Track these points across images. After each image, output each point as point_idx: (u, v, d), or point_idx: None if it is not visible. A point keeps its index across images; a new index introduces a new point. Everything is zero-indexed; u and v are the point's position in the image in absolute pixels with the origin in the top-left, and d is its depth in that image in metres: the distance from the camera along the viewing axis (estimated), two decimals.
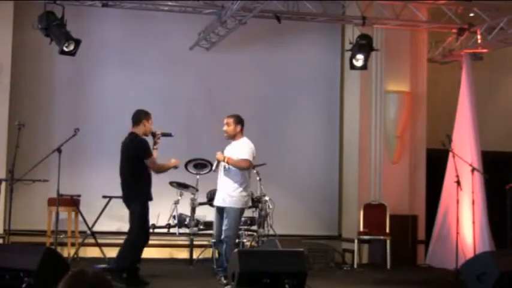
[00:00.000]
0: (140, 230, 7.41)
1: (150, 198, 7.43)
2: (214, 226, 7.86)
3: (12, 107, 9.60)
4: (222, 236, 7.52)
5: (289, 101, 10.82)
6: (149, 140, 7.64)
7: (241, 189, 7.59)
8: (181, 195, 9.21)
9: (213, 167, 7.79)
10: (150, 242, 9.75)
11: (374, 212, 10.05)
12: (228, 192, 7.58)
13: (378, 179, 10.30)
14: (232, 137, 7.73)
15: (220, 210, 7.66)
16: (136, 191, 7.37)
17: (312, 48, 10.99)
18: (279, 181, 10.24)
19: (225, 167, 7.64)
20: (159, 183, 9.38)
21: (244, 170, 7.62)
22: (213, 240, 8.10)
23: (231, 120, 7.74)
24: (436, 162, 10.26)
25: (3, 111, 9.47)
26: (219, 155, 7.63)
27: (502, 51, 10.59)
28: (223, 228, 7.52)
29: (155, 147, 7.54)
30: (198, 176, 9.47)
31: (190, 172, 9.47)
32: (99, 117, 10.19)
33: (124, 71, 10.31)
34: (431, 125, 10.50)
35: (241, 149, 7.65)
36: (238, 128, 7.72)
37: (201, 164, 9.49)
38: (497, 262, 6.93)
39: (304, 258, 6.97)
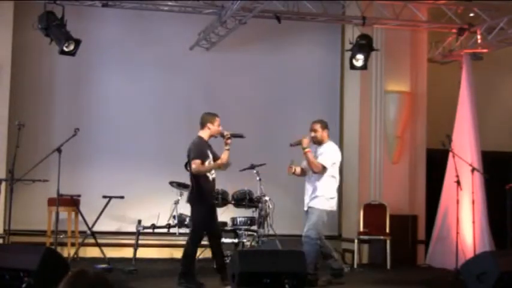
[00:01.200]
0: (194, 232, 7.50)
1: (206, 203, 7.44)
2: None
3: (12, 107, 9.59)
4: (302, 236, 7.60)
5: (289, 100, 10.81)
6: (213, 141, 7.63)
7: (325, 190, 7.62)
8: (181, 195, 9.19)
9: (292, 143, 7.77)
10: (150, 242, 9.84)
11: (374, 212, 10.06)
12: (312, 193, 7.63)
13: (378, 179, 10.30)
14: (320, 142, 7.77)
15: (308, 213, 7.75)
16: (192, 194, 7.46)
17: (312, 48, 10.99)
18: (279, 181, 10.23)
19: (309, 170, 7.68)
20: (159, 183, 9.43)
21: (314, 172, 7.64)
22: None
23: (318, 126, 7.79)
24: (436, 162, 10.25)
25: (3, 111, 9.47)
26: (305, 140, 7.59)
27: (502, 51, 10.58)
28: (305, 228, 7.59)
29: (226, 148, 7.44)
30: None
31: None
32: (99, 117, 10.19)
33: (124, 70, 10.32)
34: (431, 125, 10.50)
35: (324, 154, 7.68)
36: (325, 132, 7.80)
37: None
38: (497, 262, 6.93)
39: (304, 258, 6.97)
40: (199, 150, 7.37)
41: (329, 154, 7.68)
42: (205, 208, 7.46)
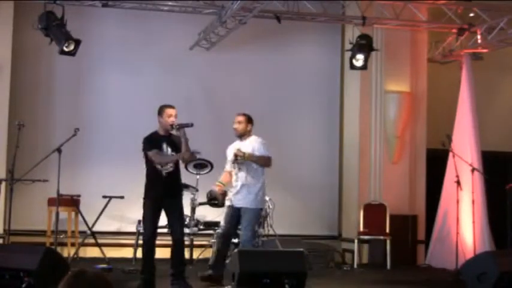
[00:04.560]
0: (144, 230, 7.37)
1: (150, 197, 7.27)
2: (224, 222, 7.74)
3: (12, 107, 9.60)
4: (241, 239, 7.54)
5: (289, 100, 10.81)
6: None
7: (260, 188, 7.60)
8: None
9: (231, 163, 7.65)
10: None
11: (374, 212, 10.05)
12: (248, 192, 7.54)
13: (378, 179, 10.30)
14: (242, 135, 7.68)
15: (235, 209, 7.60)
16: (144, 188, 7.30)
17: (312, 48, 10.99)
18: (279, 181, 10.23)
19: (239, 167, 7.56)
20: None
21: (268, 166, 7.62)
22: (219, 232, 7.94)
23: (243, 119, 7.70)
24: (436, 162, 10.25)
25: (3, 111, 9.47)
26: (237, 151, 7.50)
27: (502, 51, 10.58)
28: (242, 230, 7.50)
29: (182, 140, 7.08)
30: (198, 176, 9.47)
31: (190, 172, 9.46)
32: (99, 117, 10.19)
33: (124, 71, 10.31)
34: (431, 125, 10.50)
35: (258, 146, 7.62)
36: (249, 126, 7.71)
37: (201, 164, 9.49)
38: (497, 262, 6.92)
39: (304, 258, 6.96)
40: (146, 141, 7.20)
41: (261, 143, 7.64)
42: (147, 203, 7.29)
